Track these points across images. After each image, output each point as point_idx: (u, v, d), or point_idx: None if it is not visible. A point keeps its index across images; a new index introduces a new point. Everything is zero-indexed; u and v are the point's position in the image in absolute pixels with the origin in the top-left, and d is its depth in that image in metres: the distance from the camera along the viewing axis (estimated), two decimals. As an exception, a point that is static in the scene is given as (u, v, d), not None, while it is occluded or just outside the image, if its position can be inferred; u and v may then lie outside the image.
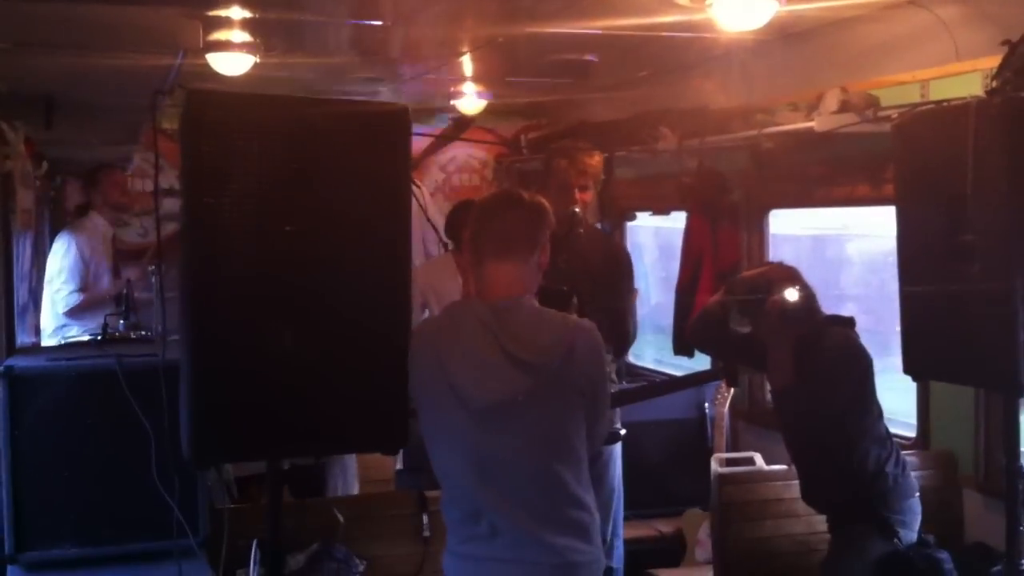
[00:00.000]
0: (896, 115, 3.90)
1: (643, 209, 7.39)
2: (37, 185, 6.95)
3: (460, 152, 8.33)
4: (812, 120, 4.61)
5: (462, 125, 7.82)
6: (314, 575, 3.67)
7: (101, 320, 5.29)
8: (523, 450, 2.83)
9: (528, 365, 2.81)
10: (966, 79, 4.06)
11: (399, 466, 5.34)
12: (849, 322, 4.00)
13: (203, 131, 2.74)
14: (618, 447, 4.67)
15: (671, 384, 5.53)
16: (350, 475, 5.10)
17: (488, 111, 7.31)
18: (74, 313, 6.41)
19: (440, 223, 6.13)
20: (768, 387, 4.74)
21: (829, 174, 5.21)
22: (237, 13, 4.43)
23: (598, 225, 6.96)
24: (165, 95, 3.60)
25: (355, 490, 5.04)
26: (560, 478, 2.85)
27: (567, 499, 2.87)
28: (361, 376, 2.86)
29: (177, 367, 2.80)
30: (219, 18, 4.49)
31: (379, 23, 4.87)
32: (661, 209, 7.10)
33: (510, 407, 2.81)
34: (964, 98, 3.36)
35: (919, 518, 3.90)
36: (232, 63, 5.02)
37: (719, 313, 4.13)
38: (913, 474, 4.06)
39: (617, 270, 4.75)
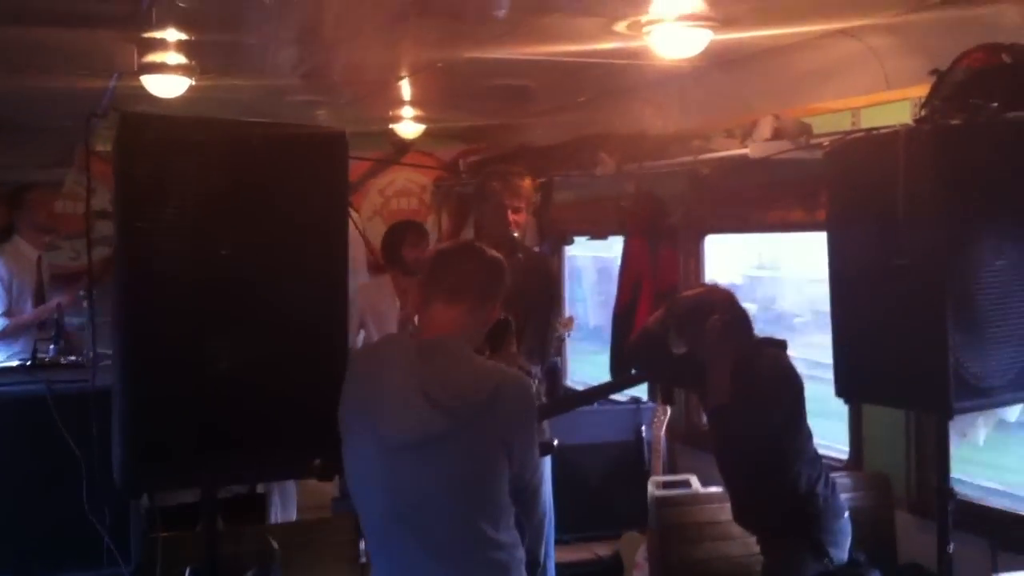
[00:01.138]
0: (828, 142, 3.97)
1: (582, 233, 7.43)
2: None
3: (399, 176, 8.31)
4: (747, 146, 4.68)
5: (401, 149, 7.81)
6: (249, 603, 3.62)
7: (31, 345, 5.19)
8: (436, 495, 2.75)
9: (445, 408, 2.72)
10: (896, 107, 4.15)
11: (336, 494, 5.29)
12: (782, 344, 4.05)
13: (137, 154, 2.72)
14: (548, 464, 4.66)
15: (597, 391, 5.52)
16: (290, 503, 5.04)
17: (427, 135, 7.31)
18: (2, 338, 6.26)
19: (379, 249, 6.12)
20: (703, 408, 4.77)
21: (764, 199, 5.28)
22: (172, 35, 4.39)
23: (535, 248, 7.02)
24: (99, 117, 3.55)
25: (293, 517, 4.98)
26: (476, 525, 2.77)
27: (484, 543, 2.78)
28: (297, 402, 2.84)
29: (109, 393, 2.76)
30: (154, 40, 4.44)
31: (318, 46, 4.87)
32: (600, 233, 7.15)
33: (422, 448, 2.73)
34: (894, 126, 3.42)
35: (849, 538, 3.94)
36: (167, 85, 4.97)
37: (659, 333, 4.15)
38: (846, 495, 4.11)
39: (550, 290, 4.83)
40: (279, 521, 4.77)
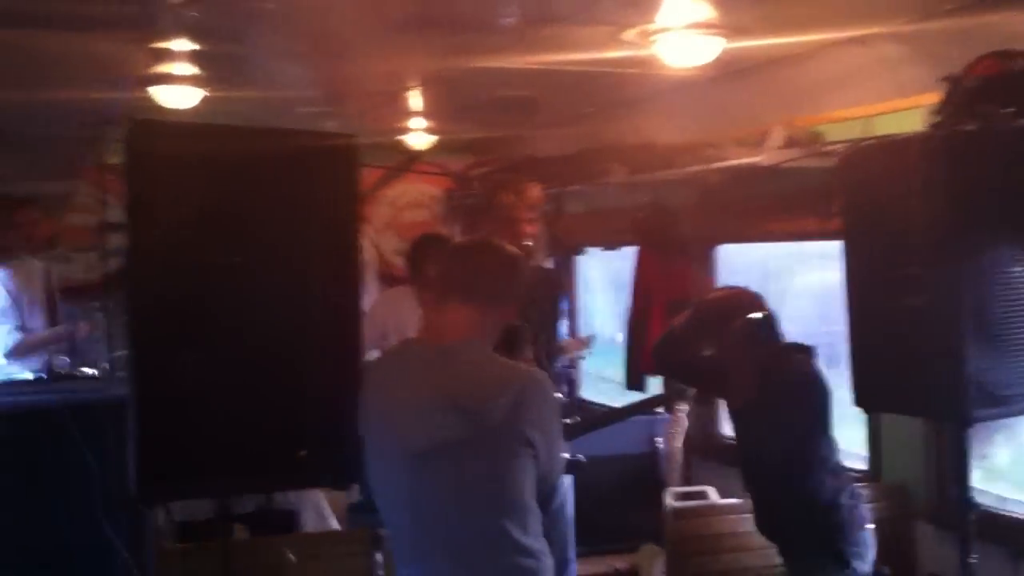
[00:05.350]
0: (841, 149, 3.96)
1: (594, 244, 7.43)
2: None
3: (410, 187, 8.31)
4: (759, 155, 4.66)
5: (411, 160, 7.83)
6: (264, 616, 3.60)
7: (44, 357, 5.18)
8: (459, 500, 2.71)
9: (468, 412, 2.67)
10: (909, 115, 4.12)
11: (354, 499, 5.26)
12: (809, 350, 4.00)
13: (147, 161, 2.72)
14: (570, 479, 4.66)
15: (619, 412, 5.50)
16: (325, 512, 4.98)
17: (437, 146, 7.32)
18: (18, 354, 6.20)
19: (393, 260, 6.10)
20: (726, 412, 4.73)
21: (777, 208, 5.25)
22: (183, 45, 4.40)
23: (549, 262, 7.04)
24: (113, 125, 3.55)
25: (333, 526, 4.92)
26: (502, 529, 2.71)
27: (511, 548, 2.72)
28: (312, 410, 2.83)
29: (125, 404, 2.75)
30: (165, 50, 4.45)
31: (326, 57, 4.87)
32: (611, 244, 7.14)
33: (446, 453, 2.68)
34: (907, 133, 3.41)
35: (873, 549, 3.90)
36: (178, 96, 4.99)
37: (684, 333, 4.11)
38: (865, 506, 4.07)
39: (555, 298, 4.87)
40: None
